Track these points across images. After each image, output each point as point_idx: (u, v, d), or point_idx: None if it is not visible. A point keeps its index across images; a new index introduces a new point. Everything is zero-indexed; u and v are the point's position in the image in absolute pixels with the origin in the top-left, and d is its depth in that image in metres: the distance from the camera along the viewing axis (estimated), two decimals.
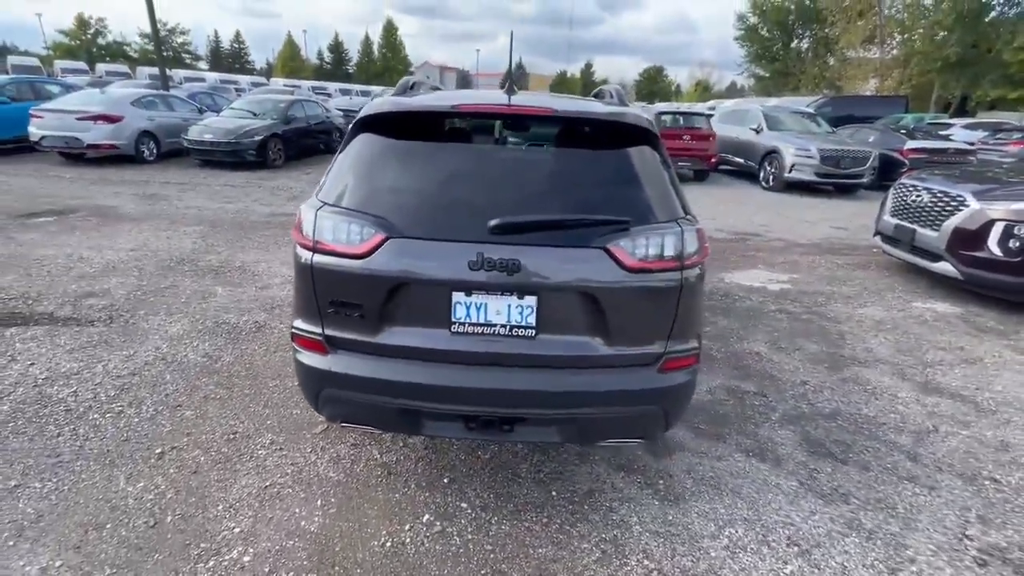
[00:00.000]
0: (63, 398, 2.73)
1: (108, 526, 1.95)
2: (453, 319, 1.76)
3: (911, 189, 5.08)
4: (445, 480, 2.28)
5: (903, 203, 5.15)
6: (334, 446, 2.46)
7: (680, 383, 1.85)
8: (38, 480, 2.16)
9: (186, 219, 6.53)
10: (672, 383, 1.84)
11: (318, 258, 1.78)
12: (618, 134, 1.93)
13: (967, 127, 18.44)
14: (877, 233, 5.60)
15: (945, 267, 4.58)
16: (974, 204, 4.39)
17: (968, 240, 4.38)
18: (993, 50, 26.12)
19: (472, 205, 1.79)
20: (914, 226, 4.92)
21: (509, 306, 1.75)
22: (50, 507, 2.02)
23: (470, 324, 1.76)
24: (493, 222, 1.67)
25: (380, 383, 1.79)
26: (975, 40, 26.42)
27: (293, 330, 1.92)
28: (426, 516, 2.08)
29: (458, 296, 1.75)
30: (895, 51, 31.56)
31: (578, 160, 1.96)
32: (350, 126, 2.00)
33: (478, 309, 1.75)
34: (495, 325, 1.76)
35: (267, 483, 2.21)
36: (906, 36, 30.03)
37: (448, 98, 2.15)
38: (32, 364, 3.02)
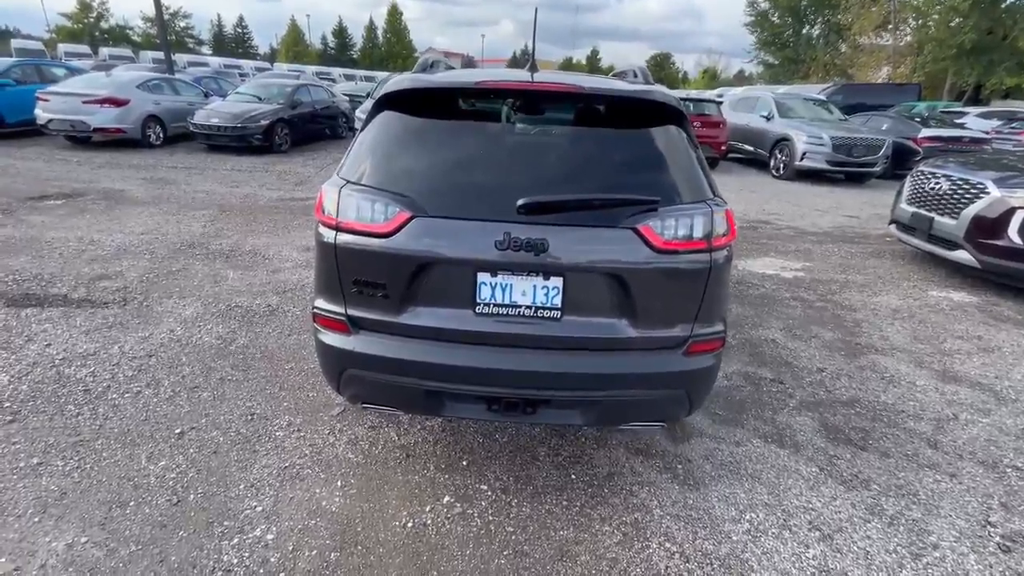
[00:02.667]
0: (81, 378, 2.73)
1: (131, 504, 1.96)
2: (477, 300, 1.74)
3: (929, 177, 5.00)
4: (464, 463, 2.28)
5: (921, 191, 5.07)
6: (351, 428, 2.46)
7: (705, 367, 1.83)
8: (60, 459, 2.17)
9: (195, 203, 6.51)
10: (697, 366, 1.82)
11: (341, 236, 1.76)
12: (646, 113, 1.89)
13: (981, 116, 18.13)
14: (892, 221, 5.53)
15: (963, 255, 4.52)
16: (995, 192, 4.32)
17: (988, 228, 4.32)
18: (1009, 37, 25.58)
19: (497, 184, 1.76)
20: (932, 214, 4.85)
21: (535, 287, 1.73)
22: (73, 485, 2.03)
23: (494, 305, 1.74)
24: (521, 201, 1.64)
25: (403, 363, 1.78)
26: (991, 26, 25.86)
27: (315, 310, 1.90)
28: (447, 498, 2.08)
29: (483, 277, 1.72)
30: (908, 38, 30.97)
31: (605, 139, 1.92)
32: (372, 103, 1.96)
33: (503, 290, 1.73)
34: (520, 306, 1.74)
35: (287, 463, 2.22)
36: (920, 22, 29.42)
37: (471, 75, 2.11)
38: (49, 345, 3.03)
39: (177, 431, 2.37)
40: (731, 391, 2.91)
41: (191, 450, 2.26)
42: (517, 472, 2.24)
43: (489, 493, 2.12)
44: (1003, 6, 25.88)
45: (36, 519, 1.87)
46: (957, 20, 26.47)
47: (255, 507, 1.98)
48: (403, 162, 1.82)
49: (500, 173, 1.81)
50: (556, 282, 1.73)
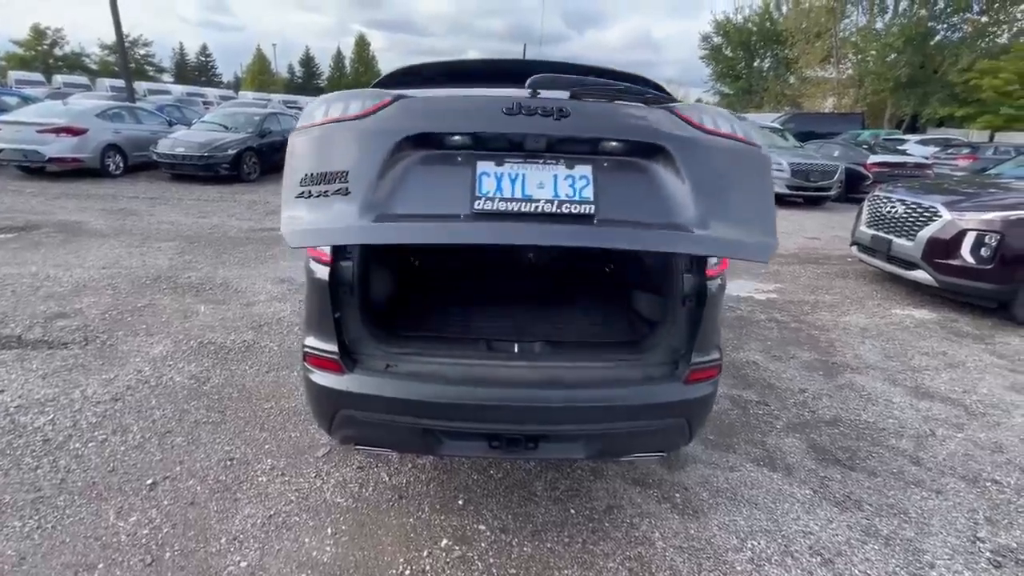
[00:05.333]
0: (40, 427, 2.53)
1: (100, 566, 1.80)
2: (478, 194, 1.43)
3: (885, 201, 5.30)
4: (460, 502, 2.20)
5: (878, 214, 5.36)
6: (339, 470, 2.35)
7: (704, 395, 1.84)
8: (17, 518, 1.98)
9: (160, 235, 6.27)
10: (696, 395, 1.82)
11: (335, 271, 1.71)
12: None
13: (920, 142, 19.53)
14: (854, 243, 5.81)
15: (921, 275, 4.77)
16: (947, 215, 4.60)
17: (942, 249, 4.58)
18: (940, 71, 27.83)
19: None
20: (890, 236, 5.12)
21: (555, 177, 1.44)
22: (33, 548, 1.85)
23: (500, 199, 1.42)
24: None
25: (400, 402, 1.72)
26: (923, 61, 28.11)
27: (305, 349, 1.83)
28: (444, 541, 1.99)
29: (485, 166, 1.44)
30: (850, 71, 33.27)
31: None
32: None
33: (512, 181, 1.44)
34: (537, 201, 1.42)
35: (271, 512, 2.09)
36: (860, 57, 31.72)
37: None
38: (1, 391, 2.81)
39: (149, 482, 2.21)
40: (720, 415, 2.93)
41: (165, 502, 2.11)
42: (515, 509, 2.18)
43: (488, 533, 2.04)
44: (932, 43, 28.22)
45: None
46: (893, 55, 28.67)
47: (239, 562, 1.84)
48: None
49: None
50: (584, 171, 1.45)
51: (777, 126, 14.94)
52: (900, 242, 4.99)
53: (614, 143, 1.48)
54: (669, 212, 1.47)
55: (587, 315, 2.48)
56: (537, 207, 1.42)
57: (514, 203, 1.43)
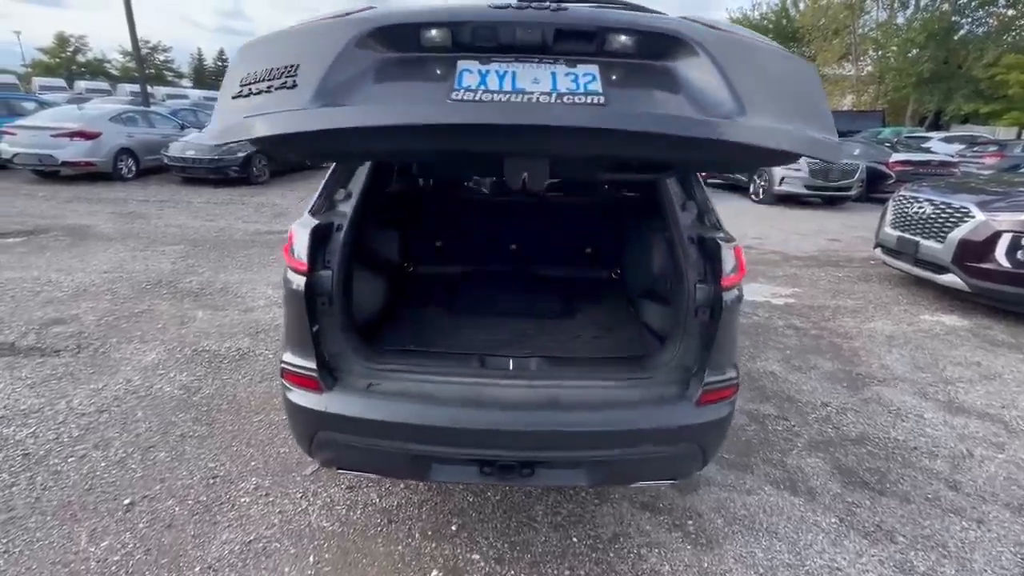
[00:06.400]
0: (21, 440, 2.44)
1: None
2: (456, 87, 1.14)
3: (912, 201, 5.03)
4: (453, 527, 2.05)
5: (904, 215, 5.09)
6: (327, 490, 2.21)
7: (719, 418, 1.66)
8: None
9: (165, 238, 6.23)
10: (710, 418, 1.65)
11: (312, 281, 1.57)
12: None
13: (944, 140, 18.89)
14: (878, 245, 5.53)
15: (952, 279, 4.50)
16: (980, 215, 4.33)
17: (975, 252, 4.31)
18: (964, 66, 27.00)
19: None
20: (917, 238, 4.85)
21: (554, 74, 1.16)
22: None
23: (484, 91, 1.14)
24: None
25: (383, 425, 1.57)
26: (946, 56, 27.28)
27: (283, 365, 1.69)
28: (434, 572, 1.84)
29: (466, 64, 1.17)
30: (869, 68, 32.49)
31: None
32: None
33: (500, 76, 1.16)
34: (531, 93, 1.13)
35: (251, 537, 1.96)
36: (880, 53, 30.95)
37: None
38: None
39: (126, 502, 2.09)
40: (736, 431, 2.73)
41: (141, 525, 1.99)
42: (512, 537, 2.01)
43: (482, 564, 1.88)
44: (956, 37, 27.39)
45: None
46: (914, 51, 27.89)
47: None
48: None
49: None
50: (589, 69, 1.17)
51: None
52: (928, 244, 4.72)
53: (625, 37, 1.19)
54: (703, 105, 1.15)
55: (590, 327, 2.30)
56: (531, 98, 1.12)
57: (502, 95, 1.13)
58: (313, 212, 1.77)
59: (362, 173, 1.90)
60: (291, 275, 1.63)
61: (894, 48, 29.31)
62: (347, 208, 1.79)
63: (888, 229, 5.29)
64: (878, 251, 5.55)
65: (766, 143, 1.16)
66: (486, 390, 1.62)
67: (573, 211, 2.87)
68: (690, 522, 2.11)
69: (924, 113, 30.80)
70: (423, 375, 1.66)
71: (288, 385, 1.69)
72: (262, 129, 1.15)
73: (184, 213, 7.76)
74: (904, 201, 5.15)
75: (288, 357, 1.68)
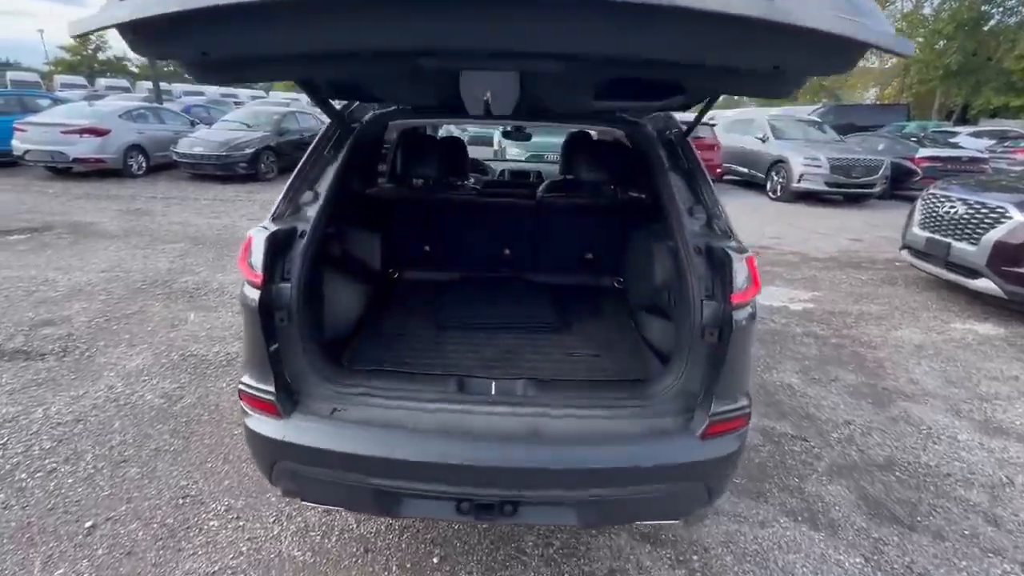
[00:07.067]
0: None
1: None
2: None
3: (943, 200, 4.71)
4: (435, 559, 1.87)
5: (934, 215, 4.77)
6: (301, 513, 2.06)
7: (727, 454, 1.46)
8: None
9: (168, 236, 6.16)
10: (717, 453, 1.44)
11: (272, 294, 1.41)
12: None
13: (972, 135, 18.14)
14: (905, 247, 5.22)
15: (986, 284, 4.19)
16: (1018, 216, 4.01)
17: (1012, 255, 4.00)
18: (994, 58, 25.97)
19: None
20: (948, 239, 4.54)
21: None
22: None
23: None
24: None
25: (347, 457, 1.40)
26: (975, 48, 26.28)
27: (240, 386, 1.53)
28: None
29: None
30: (894, 60, 31.49)
31: None
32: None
33: None
34: None
35: (216, 567, 1.81)
36: None
37: None
38: None
39: (88, 524, 1.96)
40: (749, 452, 2.52)
41: (100, 551, 1.85)
42: (499, 571, 1.84)
43: None
44: (986, 28, 26.36)
45: None
46: (942, 42, 26.93)
47: None
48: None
49: None
50: None
51: (815, 118, 14.06)
52: (960, 246, 4.41)
53: None
54: None
55: (586, 343, 2.09)
56: None
57: None
58: (275, 216, 1.61)
59: (331, 172, 1.73)
60: (246, 288, 1.47)
61: (920, 39, 28.33)
62: (313, 211, 1.62)
63: (916, 230, 4.98)
64: (904, 253, 5.24)
65: (844, 31, 0.90)
66: (464, 419, 1.44)
67: (572, 211, 2.66)
68: (695, 557, 1.91)
69: (951, 107, 29.77)
70: (394, 399, 1.49)
71: (246, 408, 1.53)
72: (120, 15, 0.95)
73: (189, 210, 7.70)
74: (934, 200, 4.83)
75: (246, 379, 1.52)
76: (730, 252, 1.42)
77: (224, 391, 2.90)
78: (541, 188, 2.90)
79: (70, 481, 2.18)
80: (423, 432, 1.40)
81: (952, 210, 4.56)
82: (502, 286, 2.59)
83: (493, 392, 1.57)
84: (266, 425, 1.47)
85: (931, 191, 4.97)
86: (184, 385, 2.95)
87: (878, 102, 29.13)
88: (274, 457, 1.48)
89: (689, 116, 2.09)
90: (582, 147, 2.68)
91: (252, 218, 7.35)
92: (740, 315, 1.41)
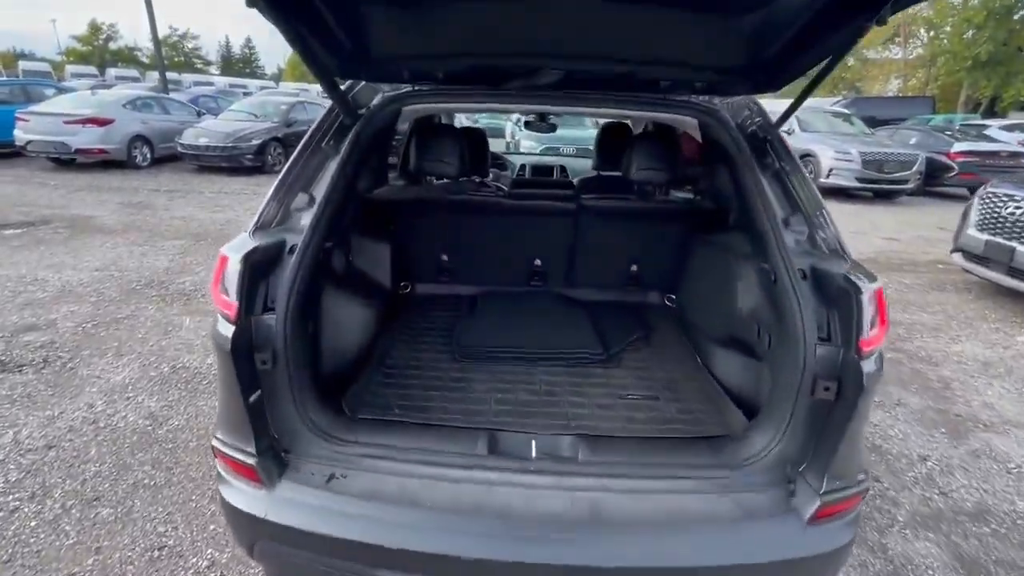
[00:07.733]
0: None
1: None
2: None
3: (1006, 199, 4.28)
4: None
5: (995, 216, 4.35)
6: None
7: (840, 545, 1.11)
8: None
9: (168, 231, 5.89)
10: (829, 545, 1.10)
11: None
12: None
13: (1004, 128, 17.40)
14: (957, 250, 4.79)
15: None
16: None
17: None
18: None
19: None
20: (1012, 243, 4.12)
21: None
22: None
23: None
24: None
25: (348, 545, 1.08)
26: (1006, 37, 25.27)
27: (214, 442, 1.22)
28: None
29: None
30: (919, 50, 30.50)
31: None
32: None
33: None
34: None
35: None
36: (933, 34, 28.94)
37: None
38: None
39: None
40: None
41: None
42: None
43: None
44: (1017, 16, 25.32)
45: None
46: (972, 32, 25.95)
47: None
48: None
49: None
50: None
51: (843, 110, 13.47)
52: None
53: None
54: None
55: (641, 381, 1.71)
56: None
57: None
58: (260, 225, 1.28)
59: (330, 169, 1.39)
60: (220, 324, 1.15)
61: (948, 28, 27.36)
62: (307, 220, 1.29)
63: (973, 232, 4.55)
64: (956, 256, 4.81)
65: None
66: (498, 493, 1.11)
67: (618, 215, 2.25)
68: None
69: (978, 99, 28.74)
70: (407, 463, 1.16)
71: (221, 472, 1.21)
72: None
73: (192, 204, 7.43)
74: (995, 200, 4.40)
75: (220, 435, 1.20)
76: (856, 281, 1.07)
77: (216, 411, 2.60)
78: (576, 187, 2.53)
79: (33, 524, 1.89)
80: (444, 512, 1.08)
81: (1017, 211, 4.14)
82: (533, 303, 2.23)
83: (534, 454, 1.24)
84: (245, 497, 1.15)
85: (990, 190, 4.53)
86: (172, 404, 2.65)
87: (900, 94, 28.20)
88: (255, 536, 1.17)
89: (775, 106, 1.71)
90: (624, 139, 2.29)
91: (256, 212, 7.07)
92: (868, 367, 1.06)
